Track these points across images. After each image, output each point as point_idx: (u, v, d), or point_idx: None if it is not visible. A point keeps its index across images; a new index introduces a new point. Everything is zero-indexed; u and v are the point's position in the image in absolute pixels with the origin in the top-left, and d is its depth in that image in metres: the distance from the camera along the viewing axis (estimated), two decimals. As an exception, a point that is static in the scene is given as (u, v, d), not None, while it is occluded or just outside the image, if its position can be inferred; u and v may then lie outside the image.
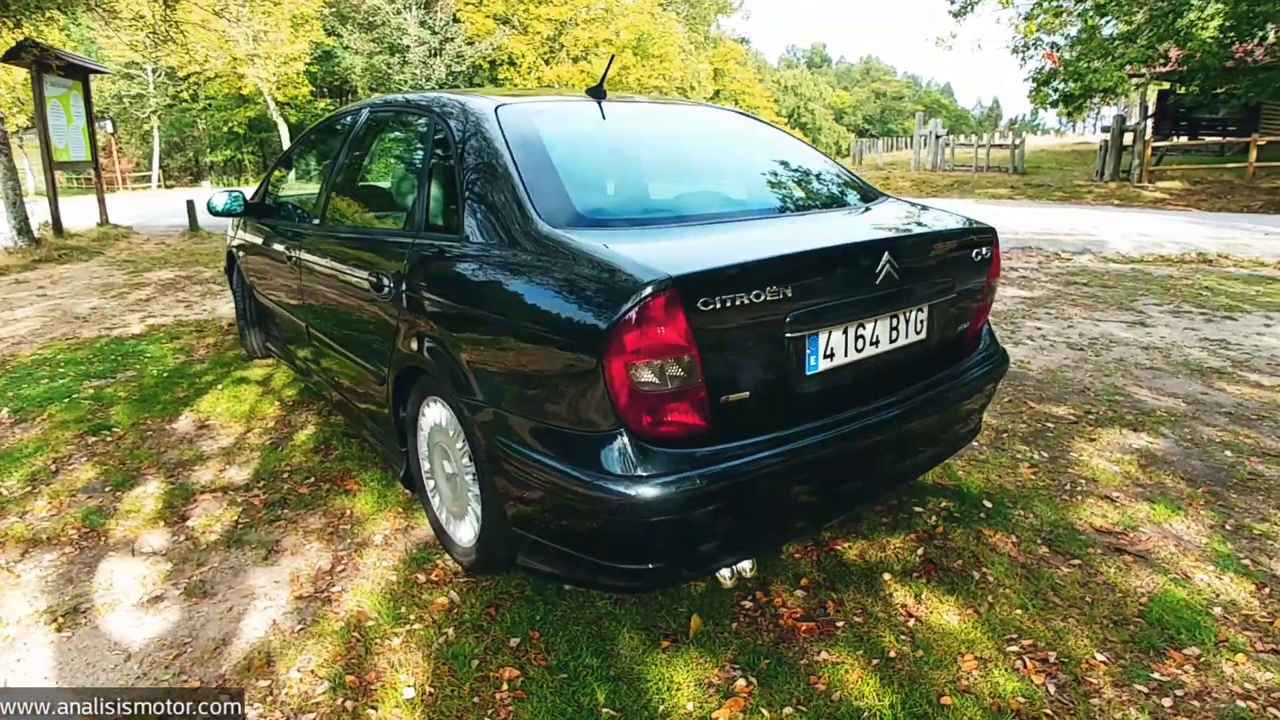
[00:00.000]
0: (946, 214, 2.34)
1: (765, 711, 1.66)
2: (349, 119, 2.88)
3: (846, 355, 1.82)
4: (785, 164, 2.49)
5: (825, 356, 1.78)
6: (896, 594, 2.09)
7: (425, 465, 2.30)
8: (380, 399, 2.40)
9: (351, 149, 2.77)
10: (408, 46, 29.96)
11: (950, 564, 2.24)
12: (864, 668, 1.80)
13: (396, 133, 2.70)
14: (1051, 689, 1.74)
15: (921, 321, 2.01)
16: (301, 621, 1.99)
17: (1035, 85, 16.49)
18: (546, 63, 32.77)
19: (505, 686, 1.73)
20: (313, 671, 1.80)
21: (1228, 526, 2.45)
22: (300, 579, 2.18)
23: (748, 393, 1.67)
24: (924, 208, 2.45)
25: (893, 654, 1.85)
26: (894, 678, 1.77)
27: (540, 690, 1.72)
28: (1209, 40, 12.98)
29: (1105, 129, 17.26)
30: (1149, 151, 15.40)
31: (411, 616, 1.99)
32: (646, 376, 1.52)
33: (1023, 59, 16.58)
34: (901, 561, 2.25)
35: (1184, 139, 19.60)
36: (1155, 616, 1.99)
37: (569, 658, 1.82)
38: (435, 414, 2.14)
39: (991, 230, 2.23)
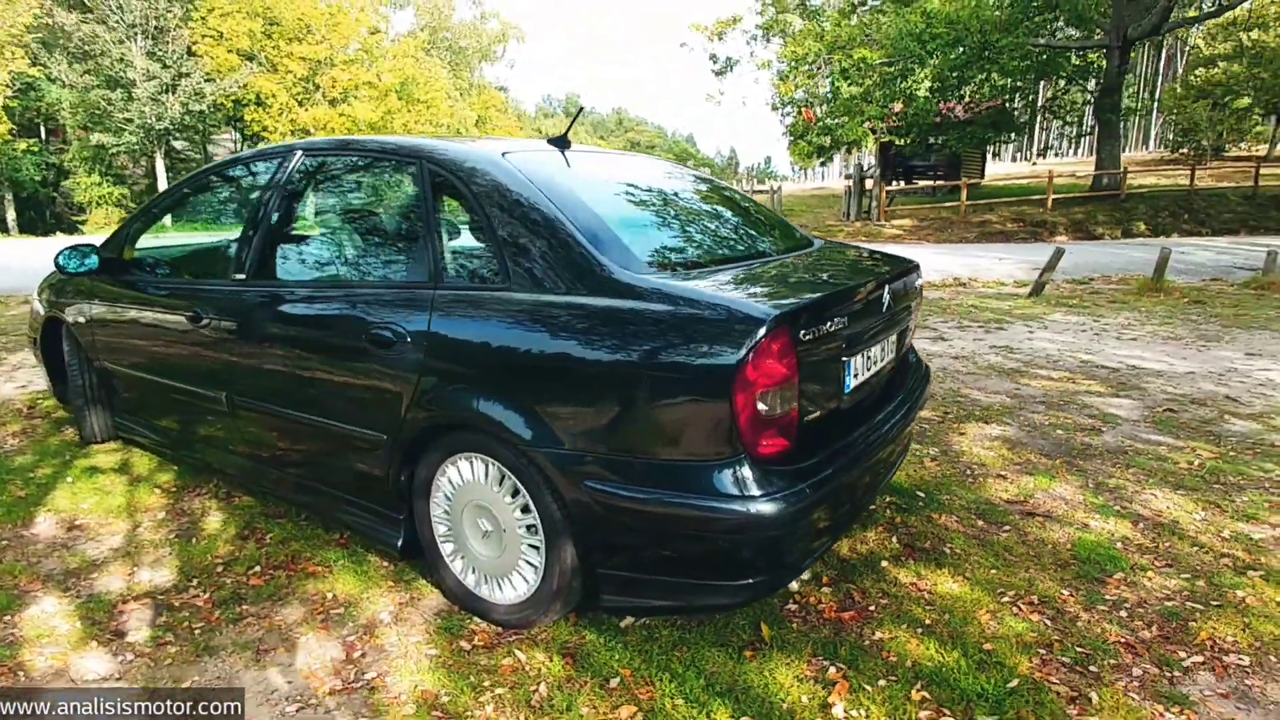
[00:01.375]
0: (881, 251, 2.75)
1: (867, 688, 1.84)
2: (271, 165, 2.56)
3: (862, 375, 2.09)
4: (745, 209, 2.73)
5: (853, 376, 2.03)
6: (900, 575, 2.38)
7: (440, 529, 2.15)
8: (371, 464, 2.19)
9: (287, 198, 2.49)
10: (134, 81, 26.18)
11: (922, 545, 2.58)
12: (915, 637, 2.04)
13: (369, 180, 2.49)
14: (1048, 622, 2.13)
15: (893, 343, 2.35)
16: (359, 715, 1.76)
17: (793, 138, 19.03)
18: (301, 104, 30.62)
19: (636, 714, 1.72)
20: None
21: (1091, 485, 3.11)
22: (318, 674, 1.91)
23: (819, 412, 1.86)
24: (857, 247, 2.84)
25: (928, 621, 2.12)
26: (942, 639, 2.04)
27: (674, 711, 1.74)
28: (922, 99, 16.08)
29: (848, 176, 20.42)
30: (884, 195, 18.51)
31: (487, 683, 1.86)
32: (764, 405, 1.65)
33: (782, 115, 19.04)
34: (888, 550, 2.55)
35: (902, 184, 23.81)
36: (1084, 556, 2.50)
37: (673, 685, 1.84)
38: (467, 472, 2.03)
39: (918, 264, 2.66)
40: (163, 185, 28.27)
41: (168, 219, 3.11)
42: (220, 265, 2.80)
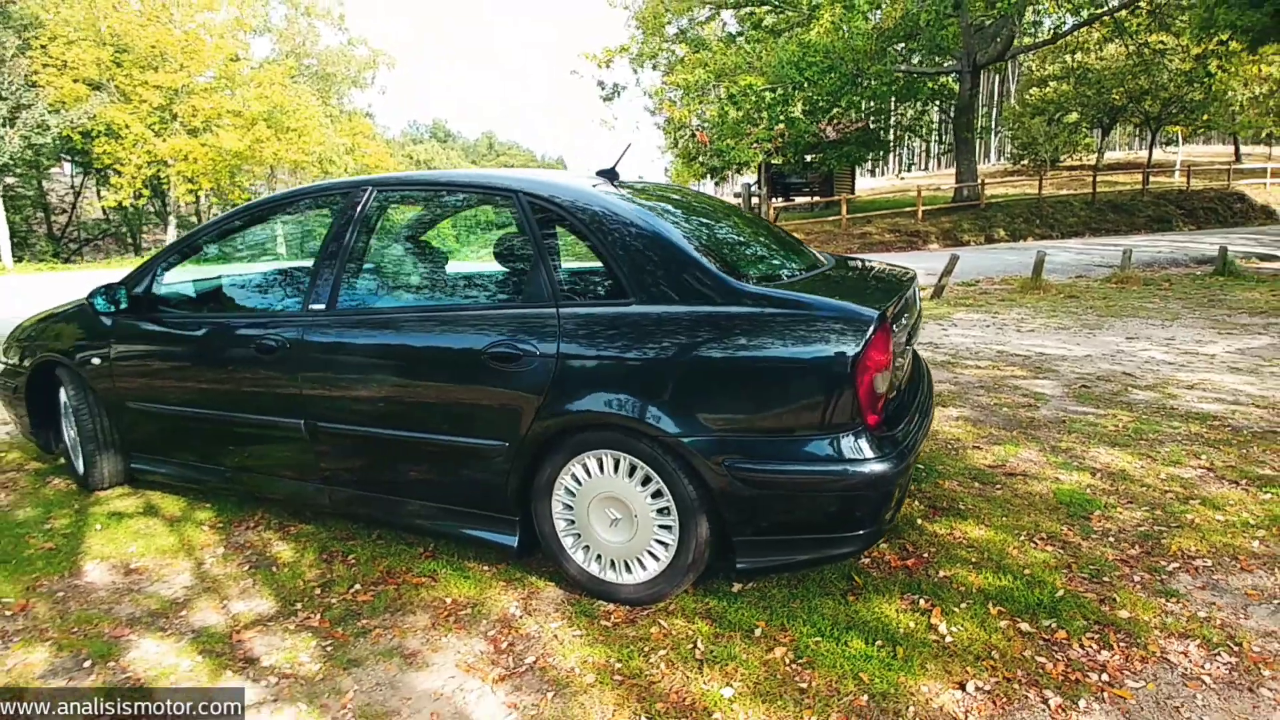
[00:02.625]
0: (885, 263, 3.18)
1: (954, 610, 2.23)
2: (343, 199, 2.64)
3: (904, 363, 2.50)
4: (769, 229, 3.08)
5: (899, 368, 2.42)
6: (935, 529, 2.79)
7: (561, 524, 2.34)
8: (488, 473, 2.35)
9: (368, 230, 2.60)
10: (-37, 114, 23.41)
11: (941, 505, 3.02)
12: (970, 570, 2.46)
13: (462, 212, 2.64)
14: (1060, 550, 2.61)
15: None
16: (541, 693, 1.92)
17: (684, 159, 19.92)
18: (157, 135, 28.49)
19: (787, 655, 2.03)
20: (631, 714, 1.83)
21: (1049, 449, 3.69)
22: (477, 667, 2.06)
23: (891, 392, 2.24)
24: (863, 260, 3.26)
25: (974, 559, 2.54)
26: (992, 569, 2.46)
27: (816, 649, 2.05)
28: (801, 121, 17.39)
29: (737, 195, 21.57)
30: (773, 211, 19.72)
31: (647, 649, 2.08)
32: (877, 385, 2.03)
33: (675, 138, 19.88)
34: (917, 511, 2.96)
35: (782, 200, 25.38)
36: (1066, 501, 3.02)
37: (807, 626, 2.16)
38: (594, 469, 2.25)
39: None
40: (2, 223, 25.36)
41: (196, 254, 3.06)
42: (289, 296, 2.82)
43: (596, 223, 2.27)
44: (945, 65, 19.83)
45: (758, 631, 2.15)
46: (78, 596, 2.47)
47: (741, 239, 2.66)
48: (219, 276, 3.17)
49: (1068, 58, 26.60)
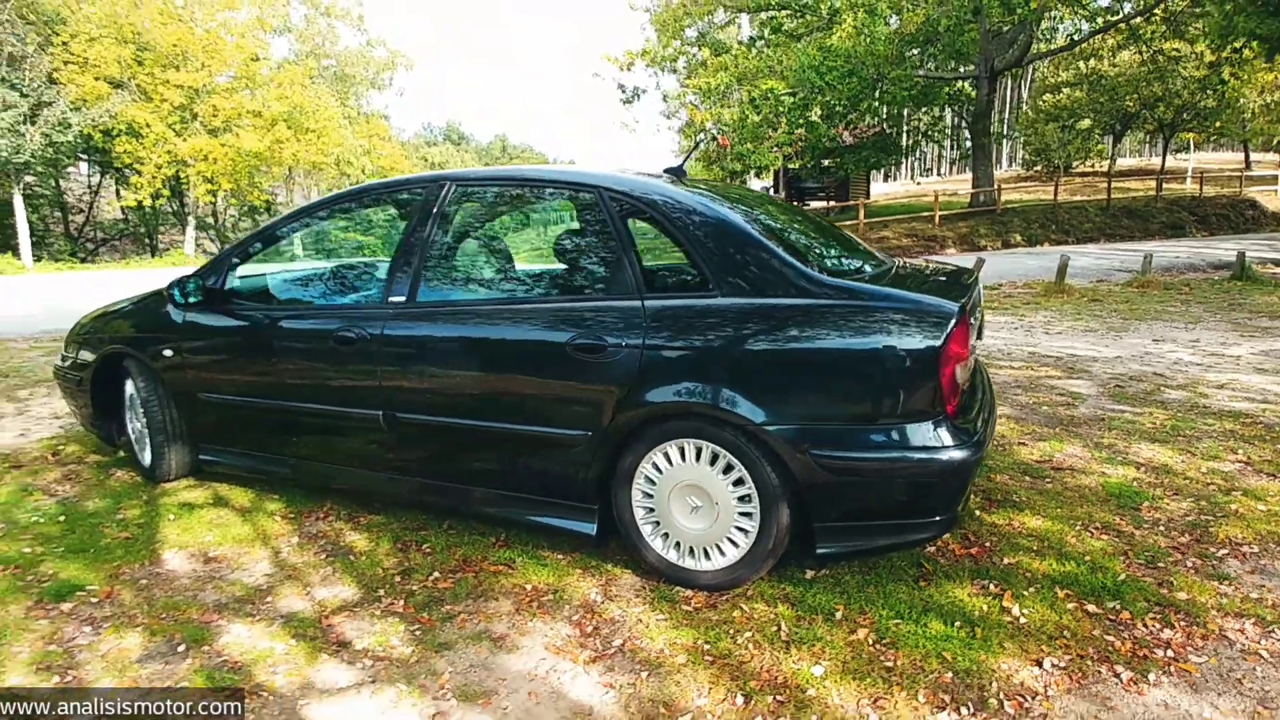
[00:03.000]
0: (948, 263, 3.23)
1: (1024, 594, 2.30)
2: (420, 194, 2.71)
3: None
4: (826, 228, 3.13)
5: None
6: (995, 520, 2.84)
7: (640, 511, 2.40)
8: (569, 462, 2.42)
9: (448, 224, 2.67)
10: (-15, 112, 23.69)
11: (996, 497, 3.07)
12: (1033, 558, 2.52)
13: (543, 207, 2.71)
14: (1115, 539, 2.68)
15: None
16: (634, 673, 1.98)
17: (706, 163, 20.00)
18: (178, 134, 28.78)
19: (869, 637, 2.10)
20: (726, 692, 1.88)
21: (1091, 444, 3.73)
22: (565, 650, 2.12)
23: (965, 385, 2.30)
24: (927, 260, 3.32)
25: (1036, 548, 2.59)
26: (1054, 556, 2.52)
27: (896, 630, 2.12)
28: (820, 125, 17.45)
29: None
30: (789, 215, 19.75)
31: (732, 631, 2.14)
32: (957, 375, 2.10)
33: (696, 142, 19.94)
34: (976, 503, 3.01)
35: (798, 204, 25.43)
36: (1115, 493, 3.07)
37: (886, 610, 2.22)
38: (675, 457, 2.31)
39: None
40: (22, 223, 25.67)
41: (269, 248, 3.13)
42: (366, 289, 2.89)
43: (680, 218, 2.34)
44: (963, 71, 19.85)
45: (838, 614, 2.21)
46: (161, 584, 2.54)
47: (809, 235, 2.71)
48: (291, 270, 3.24)
49: (1081, 64, 26.61)
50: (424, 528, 2.90)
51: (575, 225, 2.65)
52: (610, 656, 2.07)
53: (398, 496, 2.85)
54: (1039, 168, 30.44)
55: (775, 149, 18.10)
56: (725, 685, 1.92)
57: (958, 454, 2.08)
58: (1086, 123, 28.61)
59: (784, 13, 19.75)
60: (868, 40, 15.87)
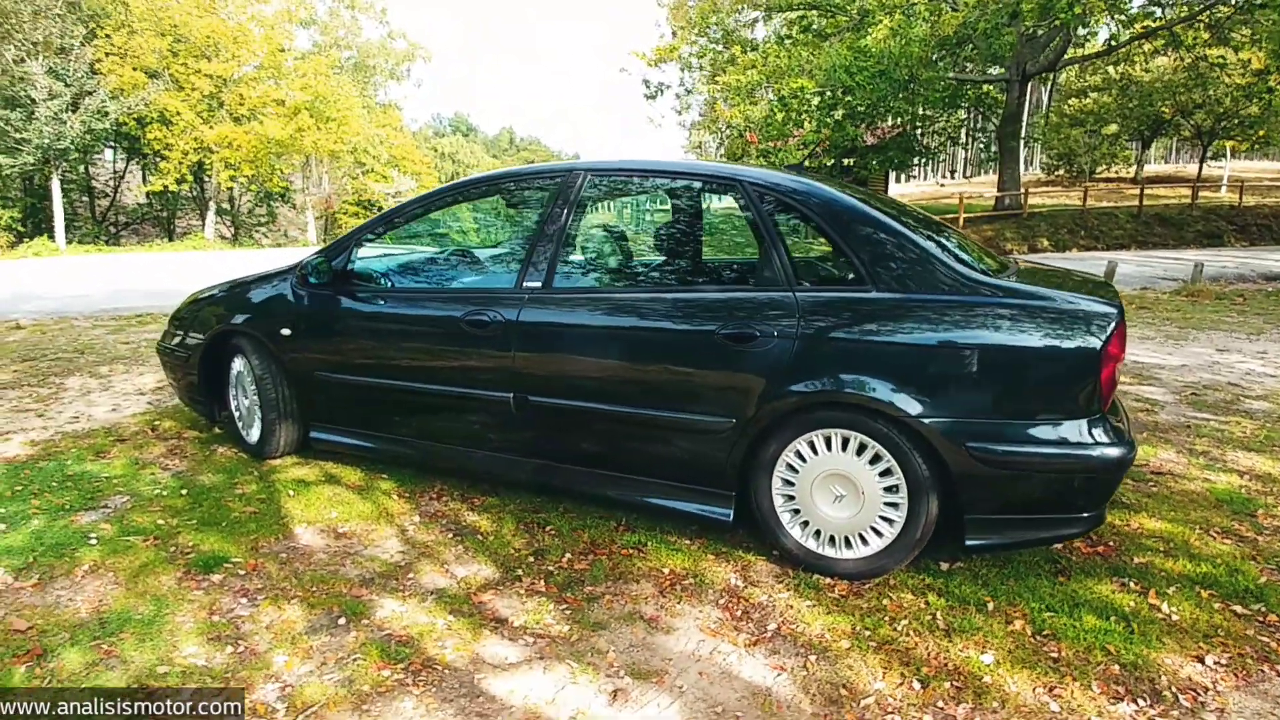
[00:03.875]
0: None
1: (1168, 592, 2.32)
2: (554, 182, 2.75)
3: None
4: (947, 227, 3.15)
5: None
6: (1114, 520, 2.85)
7: (779, 499, 2.43)
8: (711, 448, 2.45)
9: (578, 213, 2.70)
10: (33, 100, 24.00)
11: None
12: (1165, 559, 2.53)
13: (682, 199, 2.75)
14: (1239, 543, 2.67)
15: None
16: (801, 656, 2.01)
17: (730, 159, 19.99)
18: (205, 121, 29.02)
19: (1026, 628, 2.13)
20: (901, 677, 1.90)
21: (1185, 451, 3.73)
22: (720, 633, 2.15)
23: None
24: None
25: (1163, 549, 2.61)
26: (1185, 558, 2.53)
27: (1052, 623, 2.14)
28: (845, 124, 17.44)
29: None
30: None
31: (886, 619, 2.17)
32: (1113, 374, 2.13)
33: (722, 139, 19.97)
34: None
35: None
36: (1225, 499, 3.07)
37: (1036, 601, 2.25)
38: (820, 447, 2.34)
39: None
40: (59, 207, 26.00)
41: (394, 230, 3.17)
42: (498, 274, 2.92)
43: (829, 212, 2.37)
44: (994, 74, 19.75)
45: (990, 606, 2.23)
46: (300, 558, 2.58)
47: (943, 234, 2.73)
48: (410, 254, 3.28)
49: (1111, 69, 26.42)
50: (540, 510, 2.94)
51: (714, 218, 2.68)
52: (769, 640, 2.10)
53: (520, 479, 2.88)
54: (1060, 172, 30.24)
55: (802, 147, 18.07)
56: (898, 670, 1.95)
57: (1113, 451, 2.12)
58: (1113, 128, 28.40)
59: (814, 12, 19.71)
60: (902, 42, 15.83)
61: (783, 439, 2.37)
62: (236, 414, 3.58)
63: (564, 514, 2.90)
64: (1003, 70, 19.14)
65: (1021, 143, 22.09)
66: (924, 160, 25.27)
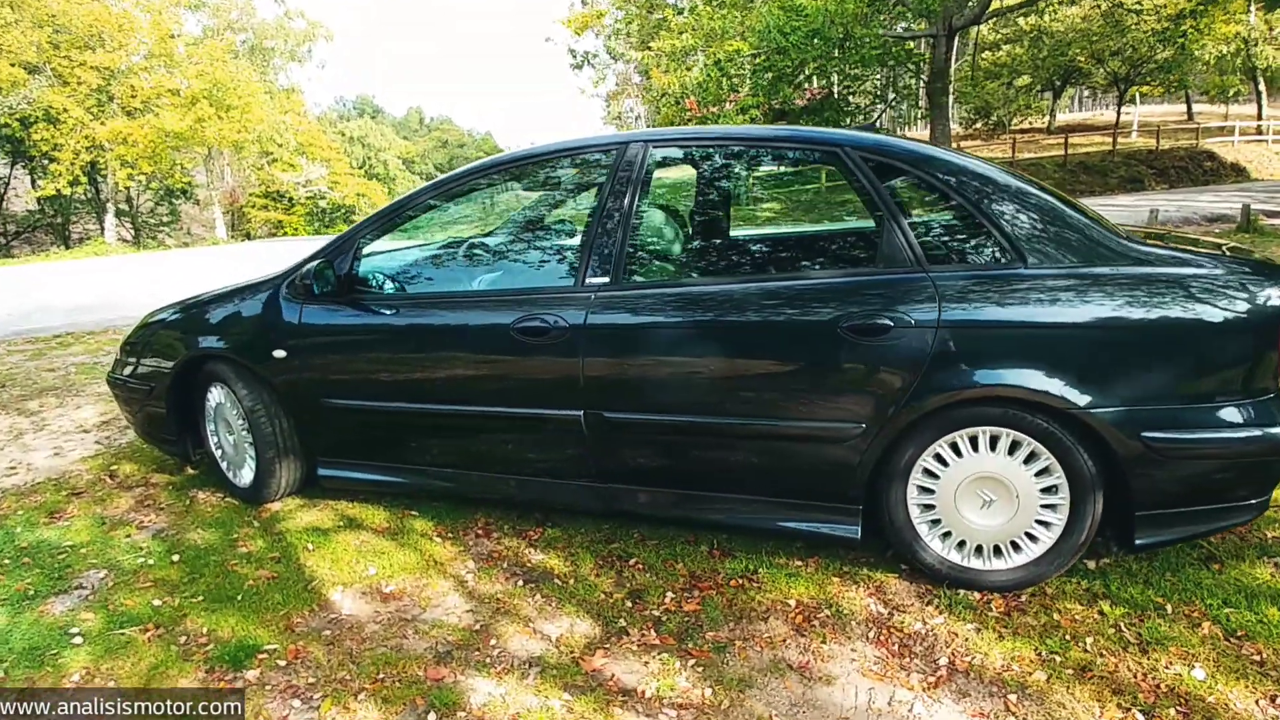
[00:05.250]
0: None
1: None
2: (614, 157, 2.32)
3: None
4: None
5: None
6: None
7: (915, 510, 2.13)
8: (835, 458, 2.12)
9: (643, 193, 2.28)
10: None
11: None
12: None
13: (768, 171, 2.36)
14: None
15: None
16: (997, 697, 1.73)
17: (667, 125, 19.51)
18: (95, 117, 26.49)
19: (1214, 631, 1.92)
20: (1120, 709, 1.63)
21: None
22: (887, 675, 1.85)
23: None
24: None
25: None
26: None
27: (1236, 618, 1.96)
28: (782, 86, 17.21)
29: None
30: (756, 180, 19.61)
31: (1069, 638, 1.92)
32: None
33: (658, 105, 19.44)
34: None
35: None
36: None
37: (1208, 596, 2.05)
38: (968, 448, 2.05)
39: None
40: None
41: (405, 224, 2.67)
42: (548, 270, 2.48)
43: (961, 178, 2.05)
44: (921, 30, 19.83)
45: (1168, 609, 2.00)
46: (349, 634, 2.13)
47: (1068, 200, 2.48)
48: (429, 251, 2.79)
49: (1021, 21, 27.00)
50: (613, 539, 2.56)
51: (813, 189, 2.33)
52: (949, 679, 1.81)
53: (590, 506, 2.48)
54: (978, 125, 30.95)
55: (741, 113, 17.75)
56: (1114, 702, 1.69)
57: None
58: (1025, 80, 29.19)
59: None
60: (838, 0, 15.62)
61: (920, 443, 2.06)
62: (218, 452, 3.04)
63: (643, 542, 2.53)
64: (930, 25, 19.21)
65: (950, 98, 22.41)
66: (854, 121, 25.37)
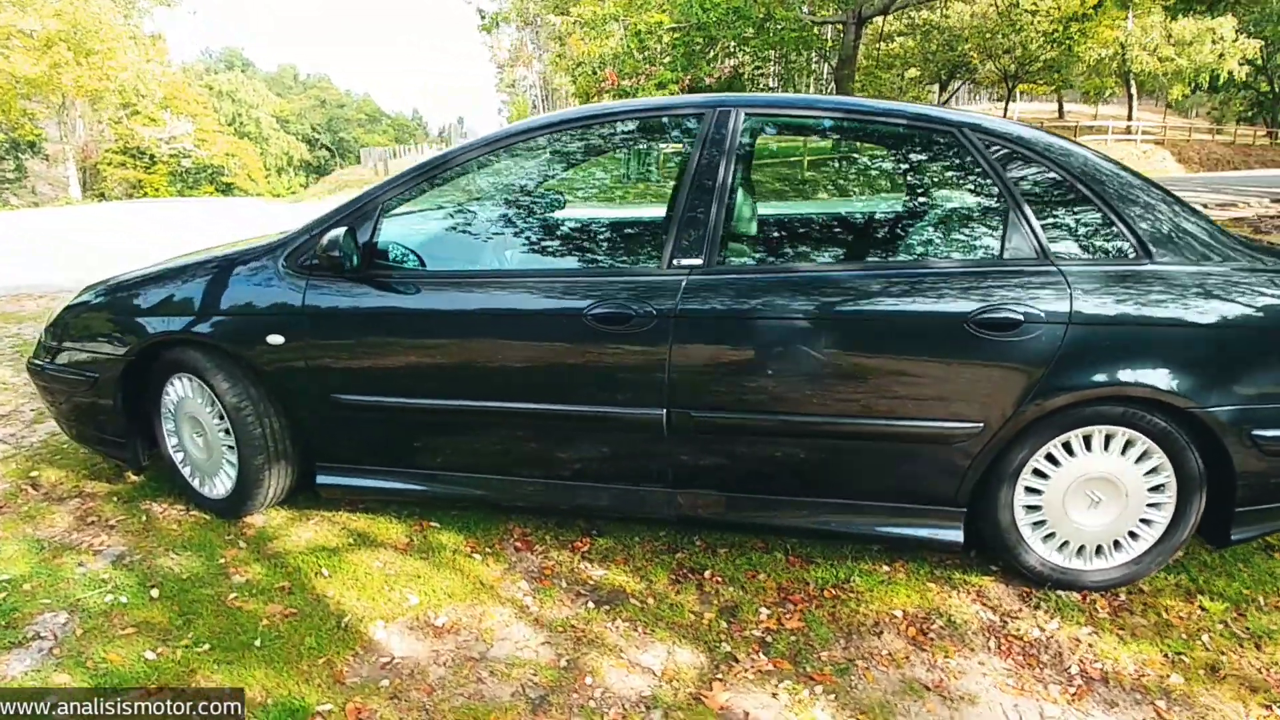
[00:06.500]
0: None
1: None
2: (705, 124, 2.06)
3: None
4: None
5: None
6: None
7: (1021, 512, 2.06)
8: (944, 460, 2.01)
9: (740, 165, 2.04)
10: None
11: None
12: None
13: (878, 149, 2.15)
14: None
15: None
16: (1145, 704, 1.68)
17: (582, 98, 18.96)
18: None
19: None
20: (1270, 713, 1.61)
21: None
22: (1024, 688, 1.77)
23: None
24: None
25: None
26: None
27: None
28: (701, 63, 17.16)
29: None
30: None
31: (1186, 636, 1.92)
32: None
33: (574, 75, 18.82)
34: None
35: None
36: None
37: (1272, 592, 2.10)
38: (1081, 447, 1.99)
39: None
40: None
41: (421, 197, 2.28)
42: (619, 249, 2.17)
43: (1089, 170, 1.97)
44: (832, 16, 20.28)
45: (1261, 601, 2.04)
46: (413, 682, 1.80)
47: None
48: (464, 220, 2.41)
49: (913, 14, 28.26)
50: (676, 548, 2.35)
51: (926, 173, 2.16)
52: (1090, 689, 1.75)
53: (662, 513, 2.24)
54: (874, 115, 32.24)
55: (659, 88, 17.52)
56: (1258, 700, 1.69)
57: None
58: (914, 72, 30.65)
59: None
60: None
61: (1034, 443, 1.98)
62: (178, 456, 2.56)
63: (711, 551, 2.33)
64: (839, 12, 19.68)
65: (855, 87, 23.12)
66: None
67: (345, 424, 2.34)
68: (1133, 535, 2.04)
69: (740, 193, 2.14)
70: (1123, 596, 2.07)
